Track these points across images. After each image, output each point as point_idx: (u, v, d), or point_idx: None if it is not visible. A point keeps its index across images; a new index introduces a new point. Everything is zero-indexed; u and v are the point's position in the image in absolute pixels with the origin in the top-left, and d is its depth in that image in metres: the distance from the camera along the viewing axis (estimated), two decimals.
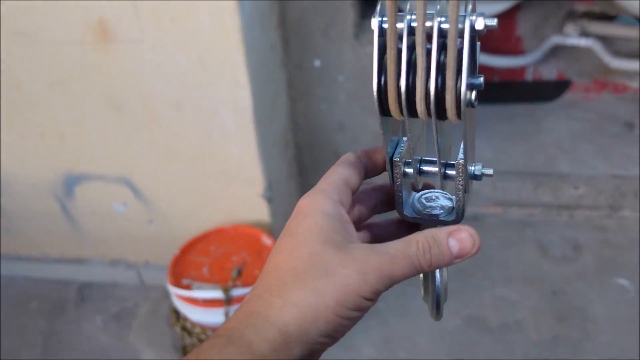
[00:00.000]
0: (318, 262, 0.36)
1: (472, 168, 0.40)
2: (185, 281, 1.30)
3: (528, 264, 1.56)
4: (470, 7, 0.33)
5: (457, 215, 0.41)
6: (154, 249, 1.51)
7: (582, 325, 1.39)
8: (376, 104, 0.36)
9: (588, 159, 1.78)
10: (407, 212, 0.41)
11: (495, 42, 2.03)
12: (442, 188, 0.42)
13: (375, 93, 0.36)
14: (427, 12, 0.34)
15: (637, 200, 1.66)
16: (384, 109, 0.36)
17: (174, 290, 1.27)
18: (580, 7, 1.93)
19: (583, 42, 1.90)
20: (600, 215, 1.68)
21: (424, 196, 0.42)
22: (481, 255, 1.73)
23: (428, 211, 0.41)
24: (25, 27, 1.19)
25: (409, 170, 0.40)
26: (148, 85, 1.23)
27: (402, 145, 0.40)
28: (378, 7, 0.35)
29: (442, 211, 0.41)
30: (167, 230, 1.46)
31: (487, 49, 2.01)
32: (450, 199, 0.42)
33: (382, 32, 0.35)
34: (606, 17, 1.90)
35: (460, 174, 0.38)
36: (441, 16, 0.34)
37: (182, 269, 1.32)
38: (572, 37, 1.91)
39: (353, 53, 1.42)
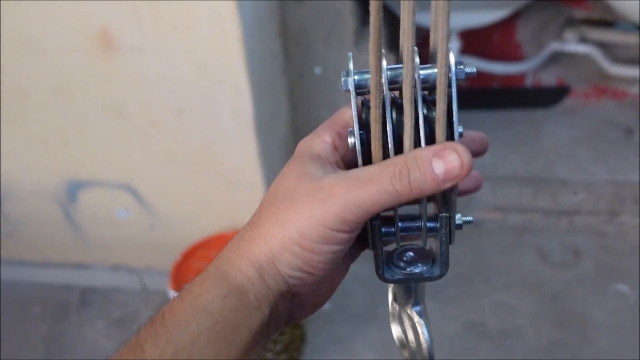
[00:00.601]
0: (288, 194, 0.35)
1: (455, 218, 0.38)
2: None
3: (527, 270, 1.57)
4: (453, 56, 0.32)
5: (442, 269, 0.38)
6: (156, 255, 1.52)
7: (582, 331, 1.39)
8: (360, 164, 0.35)
9: (587, 164, 1.79)
10: (389, 275, 0.39)
11: (494, 48, 2.05)
12: (425, 244, 0.40)
13: (359, 157, 0.35)
14: (393, 65, 0.33)
15: (636, 206, 1.66)
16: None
17: (175, 296, 1.28)
18: (580, 14, 1.95)
19: (582, 48, 1.91)
20: (600, 221, 1.69)
21: (398, 255, 0.40)
22: (480, 261, 1.74)
23: (409, 270, 0.39)
24: (28, 35, 1.21)
25: (390, 229, 0.38)
26: (150, 92, 1.24)
27: None
28: (351, 64, 0.34)
29: (424, 267, 0.39)
30: (169, 236, 1.48)
31: (487, 55, 2.02)
32: (426, 252, 0.40)
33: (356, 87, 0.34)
34: (605, 24, 1.92)
35: (445, 227, 0.36)
36: (420, 68, 0.33)
37: (183, 274, 1.33)
38: (572, 44, 1.92)
39: (353, 61, 1.43)
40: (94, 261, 1.60)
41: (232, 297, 0.34)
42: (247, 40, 1.15)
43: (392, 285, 0.44)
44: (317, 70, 1.47)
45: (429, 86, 0.34)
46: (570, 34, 1.93)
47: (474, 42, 1.99)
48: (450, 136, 0.33)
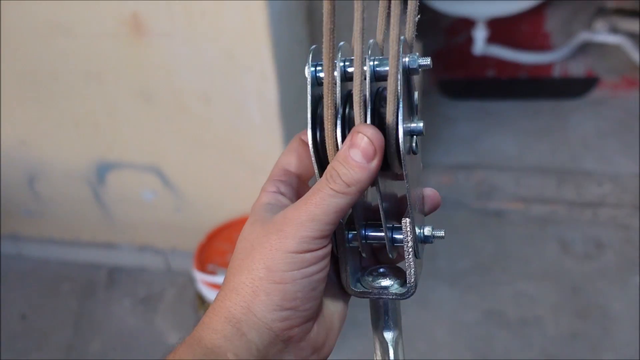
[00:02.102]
0: (246, 244, 0.35)
1: (422, 230, 0.37)
2: (210, 267, 1.34)
3: (549, 261, 1.57)
4: (400, 47, 0.32)
5: (409, 288, 0.36)
6: (181, 236, 1.55)
7: (602, 323, 1.39)
8: (313, 159, 0.36)
9: (613, 156, 1.77)
10: (354, 286, 0.37)
11: (523, 38, 2.02)
12: (391, 254, 0.38)
13: (311, 149, 0.35)
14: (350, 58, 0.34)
15: None
16: (322, 164, 0.36)
17: (199, 276, 1.31)
18: (611, 3, 1.91)
19: (612, 38, 1.88)
20: (624, 214, 1.67)
21: (370, 271, 0.38)
22: (501, 251, 1.75)
23: (378, 283, 0.37)
24: (62, 20, 1.24)
25: (358, 234, 0.37)
26: (178, 77, 1.26)
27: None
28: (310, 55, 0.35)
29: (393, 282, 0.37)
30: (194, 218, 1.51)
31: (515, 44, 2.00)
32: (403, 272, 0.38)
33: (316, 80, 0.35)
34: (637, 14, 1.88)
35: (409, 234, 0.35)
36: (373, 59, 0.34)
37: (207, 256, 1.36)
38: (602, 34, 1.89)
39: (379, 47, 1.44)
40: (121, 241, 1.64)
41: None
42: (274, 26, 1.16)
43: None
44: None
45: (384, 77, 0.34)
46: (600, 24, 1.90)
47: (502, 31, 1.97)
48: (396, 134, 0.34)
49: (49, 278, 1.67)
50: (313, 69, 0.35)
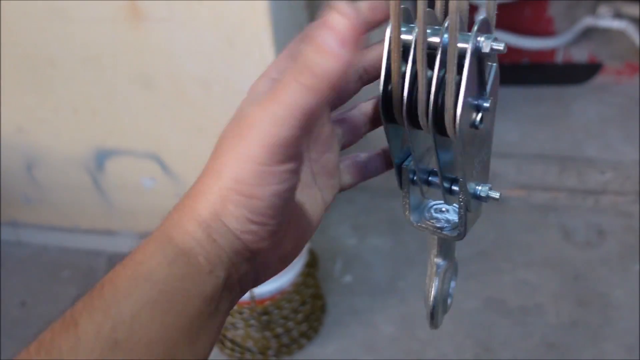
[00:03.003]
0: (220, 141, 0.32)
1: (479, 188, 0.38)
2: None
3: (550, 248, 1.56)
4: (476, 26, 0.32)
5: (459, 232, 0.39)
6: None
7: (603, 311, 1.39)
8: (381, 110, 0.36)
9: (616, 143, 1.76)
10: (414, 218, 0.41)
11: (525, 23, 2.00)
12: (447, 202, 0.41)
13: (380, 99, 0.36)
14: (435, 26, 0.34)
15: None
16: (388, 116, 0.36)
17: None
18: None
19: (616, 24, 1.86)
20: (627, 201, 1.66)
21: (434, 206, 0.41)
22: (502, 238, 1.74)
23: (433, 222, 0.40)
24: (59, 4, 1.22)
25: (417, 177, 0.39)
26: (177, 63, 1.25)
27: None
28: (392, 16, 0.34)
29: (447, 225, 0.40)
30: None
31: (517, 30, 1.98)
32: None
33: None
34: None
35: (463, 192, 0.37)
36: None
37: None
38: (605, 19, 1.87)
39: (379, 31, 1.42)
40: (121, 228, 1.64)
41: (178, 262, 0.30)
42: (274, 12, 1.14)
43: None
44: None
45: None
46: (604, 9, 1.88)
47: (504, 16, 1.95)
48: (455, 102, 0.33)
49: (48, 265, 1.66)
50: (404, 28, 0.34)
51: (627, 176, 1.66)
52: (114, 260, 1.65)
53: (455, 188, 0.38)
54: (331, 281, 1.50)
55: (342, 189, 0.39)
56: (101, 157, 1.47)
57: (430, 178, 0.40)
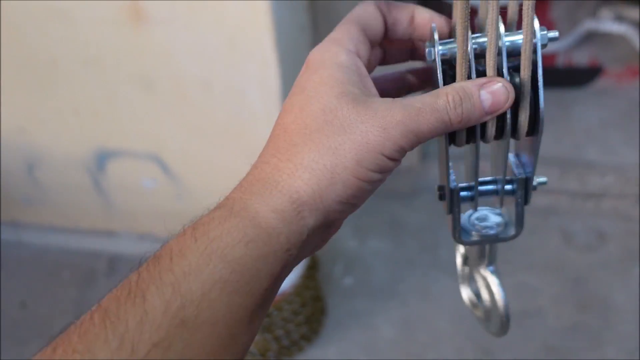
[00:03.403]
0: (333, 118, 0.31)
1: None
2: None
3: (551, 252, 1.56)
4: (536, 20, 0.33)
5: (517, 229, 0.40)
6: (182, 224, 1.54)
7: (603, 315, 1.39)
8: (446, 138, 0.35)
9: (617, 147, 1.76)
10: (465, 238, 0.40)
11: None
12: (501, 205, 0.41)
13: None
14: (475, 34, 0.34)
15: None
16: (452, 138, 0.36)
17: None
18: None
19: (617, 27, 1.86)
20: (627, 205, 1.66)
21: (472, 217, 0.41)
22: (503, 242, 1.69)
23: (485, 232, 0.40)
24: (60, 5, 1.22)
25: (467, 194, 0.39)
26: (178, 64, 1.25)
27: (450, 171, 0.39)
28: (435, 34, 0.34)
29: (499, 229, 0.40)
30: (195, 207, 1.48)
31: None
32: (499, 214, 0.41)
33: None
34: None
35: (522, 189, 0.38)
36: (504, 34, 0.34)
37: None
38: (607, 22, 1.87)
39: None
40: (121, 229, 1.64)
41: (258, 242, 0.30)
42: (276, 13, 1.14)
43: (461, 249, 0.46)
44: None
45: (509, 53, 0.34)
46: (605, 12, 1.88)
47: (505, 19, 1.95)
48: (534, 101, 0.34)
49: (49, 266, 1.66)
50: (441, 47, 0.34)
51: (628, 180, 1.66)
52: (114, 261, 1.65)
53: (508, 187, 0.39)
54: (332, 283, 1.50)
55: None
56: (102, 158, 1.47)
57: (481, 189, 0.40)
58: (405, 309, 1.43)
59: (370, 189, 0.32)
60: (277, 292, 0.32)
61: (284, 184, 0.31)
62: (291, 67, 1.29)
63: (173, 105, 1.32)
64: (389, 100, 0.33)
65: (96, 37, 1.25)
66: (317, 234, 0.32)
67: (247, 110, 1.28)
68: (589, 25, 1.90)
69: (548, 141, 1.80)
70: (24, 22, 1.26)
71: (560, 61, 2.03)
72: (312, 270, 1.36)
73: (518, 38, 0.34)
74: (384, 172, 0.32)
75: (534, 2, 0.32)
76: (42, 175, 1.55)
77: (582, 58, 2.02)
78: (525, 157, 0.38)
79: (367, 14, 0.36)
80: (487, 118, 0.33)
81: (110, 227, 1.64)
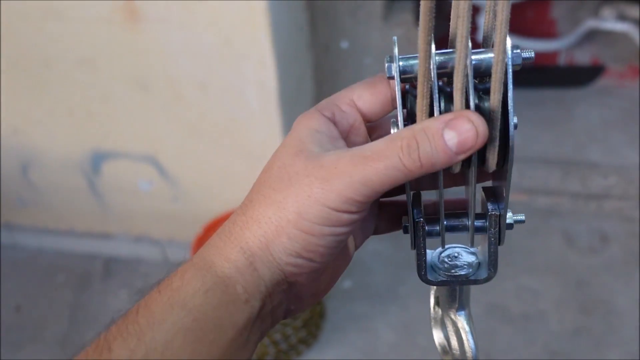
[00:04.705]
0: (284, 173, 0.32)
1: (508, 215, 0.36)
2: None
3: (553, 254, 1.54)
4: (509, 39, 0.29)
5: (489, 271, 0.36)
6: (178, 227, 1.53)
7: (606, 318, 1.37)
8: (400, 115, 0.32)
9: (619, 147, 1.74)
10: (432, 277, 0.37)
11: (528, 24, 1.98)
12: (472, 243, 0.37)
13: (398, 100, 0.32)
14: (442, 50, 0.31)
15: None
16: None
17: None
18: None
19: (619, 26, 1.84)
20: (630, 206, 1.64)
21: (443, 255, 0.38)
22: (505, 243, 1.70)
23: (454, 272, 0.36)
24: (55, 4, 1.20)
25: (434, 228, 0.36)
26: (174, 64, 1.23)
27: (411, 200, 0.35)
28: (395, 49, 0.31)
29: (470, 269, 0.36)
30: (191, 209, 1.48)
31: (519, 31, 1.96)
32: (473, 253, 0.37)
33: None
34: None
35: (494, 227, 0.34)
36: (472, 52, 0.30)
37: None
38: (609, 21, 1.85)
39: (380, 35, 1.40)
40: (117, 231, 1.62)
41: (216, 290, 0.31)
42: (273, 12, 1.12)
43: (434, 288, 0.42)
44: (344, 44, 1.44)
45: (480, 73, 0.31)
46: (607, 11, 1.86)
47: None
48: (504, 129, 0.30)
49: (44, 268, 1.64)
50: (402, 63, 0.31)
51: (630, 181, 1.64)
52: (110, 264, 1.63)
53: (480, 224, 0.35)
54: None
55: (375, 233, 0.40)
56: (97, 160, 1.45)
57: (448, 223, 0.36)
58: (405, 313, 1.41)
59: (324, 243, 0.31)
60: (250, 347, 0.32)
61: (236, 235, 0.32)
62: (288, 67, 1.27)
63: (169, 106, 1.30)
64: (341, 151, 0.32)
65: (91, 37, 1.23)
66: (280, 291, 0.33)
67: (244, 111, 1.26)
68: (590, 24, 1.87)
69: (549, 141, 1.78)
70: (17, 21, 1.24)
71: (562, 60, 2.01)
72: None
73: (489, 56, 0.30)
74: (332, 225, 0.31)
75: (508, 16, 0.28)
76: (37, 176, 1.53)
77: (583, 57, 2.00)
78: (500, 191, 0.34)
79: (363, 84, 0.35)
80: (459, 159, 0.30)
81: (106, 230, 1.62)
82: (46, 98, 1.36)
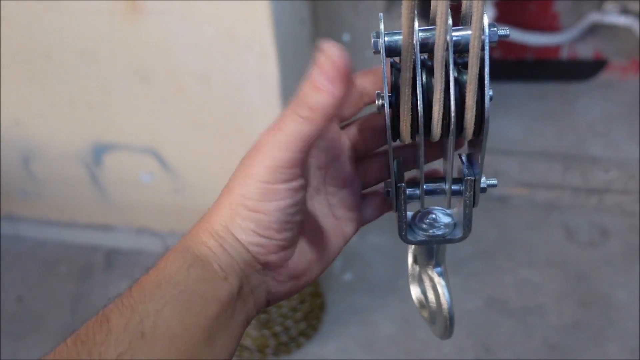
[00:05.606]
0: (239, 163, 0.36)
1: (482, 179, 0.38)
2: None
3: (553, 248, 1.55)
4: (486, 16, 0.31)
5: (464, 231, 0.38)
6: (179, 219, 1.53)
7: (606, 312, 1.37)
8: (389, 130, 0.34)
9: (621, 142, 1.73)
10: (411, 237, 0.39)
11: (530, 18, 1.98)
12: (449, 205, 0.40)
13: (388, 119, 0.34)
14: (424, 27, 0.33)
15: None
16: (395, 134, 0.35)
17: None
18: None
19: (623, 20, 1.83)
20: (631, 201, 1.64)
21: (418, 217, 0.40)
22: (505, 237, 1.72)
23: (432, 232, 0.39)
24: None
25: (414, 192, 0.39)
26: (175, 57, 1.23)
27: (395, 168, 0.38)
28: (381, 25, 0.33)
29: (447, 229, 0.39)
30: (192, 201, 1.48)
31: (522, 25, 1.95)
32: (448, 214, 0.40)
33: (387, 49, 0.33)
34: None
35: (470, 190, 0.37)
36: (452, 29, 0.32)
37: None
38: (612, 15, 1.84)
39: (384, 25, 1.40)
40: (119, 223, 1.62)
41: (196, 267, 0.34)
42: (275, 5, 1.12)
43: (412, 246, 0.45)
44: (346, 37, 1.44)
45: (460, 49, 0.33)
46: (611, 5, 1.85)
47: (509, 11, 1.92)
48: (480, 100, 0.33)
49: (46, 260, 1.65)
50: (387, 38, 0.33)
51: (632, 175, 1.64)
52: (111, 255, 1.64)
53: (455, 188, 0.38)
54: (331, 279, 1.48)
55: (365, 222, 0.43)
56: (99, 152, 1.45)
57: (428, 187, 0.39)
58: (405, 305, 1.42)
59: (273, 219, 0.34)
60: (235, 324, 0.35)
61: (205, 221, 0.36)
62: (290, 60, 1.27)
63: (170, 99, 1.30)
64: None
65: (92, 29, 1.22)
66: (255, 272, 0.36)
67: (246, 104, 1.26)
68: (593, 17, 1.87)
69: (551, 135, 1.78)
70: (18, 13, 1.24)
71: (565, 54, 2.01)
72: None
73: (468, 33, 0.32)
74: (273, 200, 0.34)
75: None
76: (38, 168, 1.54)
77: (586, 51, 1.99)
78: (475, 158, 0.37)
79: (368, 75, 0.39)
80: (340, 90, 0.31)
81: (107, 221, 1.62)
82: (47, 90, 1.36)
